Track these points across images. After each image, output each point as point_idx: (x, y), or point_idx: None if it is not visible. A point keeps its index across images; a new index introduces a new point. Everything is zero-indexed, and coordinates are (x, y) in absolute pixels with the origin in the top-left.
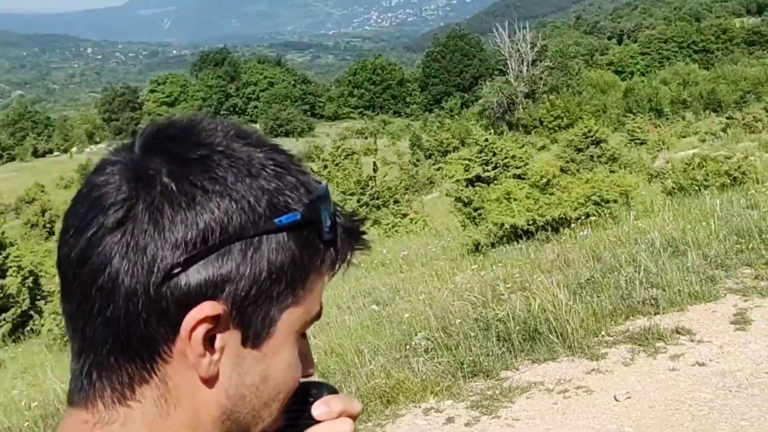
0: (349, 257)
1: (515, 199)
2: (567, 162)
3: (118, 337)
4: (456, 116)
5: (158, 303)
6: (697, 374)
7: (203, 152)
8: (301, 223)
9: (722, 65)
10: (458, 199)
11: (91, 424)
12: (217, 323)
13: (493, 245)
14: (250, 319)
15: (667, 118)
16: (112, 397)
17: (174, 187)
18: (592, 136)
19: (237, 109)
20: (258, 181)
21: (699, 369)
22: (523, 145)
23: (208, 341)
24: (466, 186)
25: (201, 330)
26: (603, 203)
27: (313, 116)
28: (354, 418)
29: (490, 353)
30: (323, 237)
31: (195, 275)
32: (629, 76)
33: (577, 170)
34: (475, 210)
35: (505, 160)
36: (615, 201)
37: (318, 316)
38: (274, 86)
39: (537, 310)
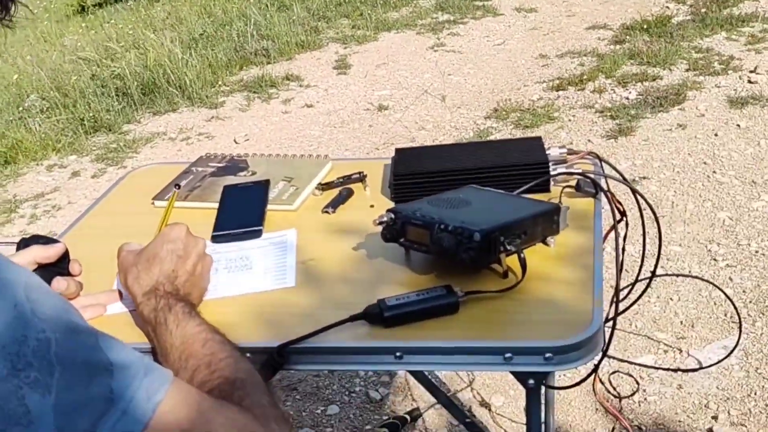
0: (12, 5)
1: None
2: None
3: None
4: None
5: None
6: (307, 115)
7: None
8: None
9: None
10: None
11: None
12: None
13: (100, 5)
14: None
15: None
16: None
17: None
18: None
19: None
20: None
21: (308, 110)
22: None
23: None
24: None
25: None
26: None
27: None
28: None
29: (111, 108)
30: None
31: None
32: None
33: None
34: None
35: None
36: None
37: None
38: None
39: (153, 65)
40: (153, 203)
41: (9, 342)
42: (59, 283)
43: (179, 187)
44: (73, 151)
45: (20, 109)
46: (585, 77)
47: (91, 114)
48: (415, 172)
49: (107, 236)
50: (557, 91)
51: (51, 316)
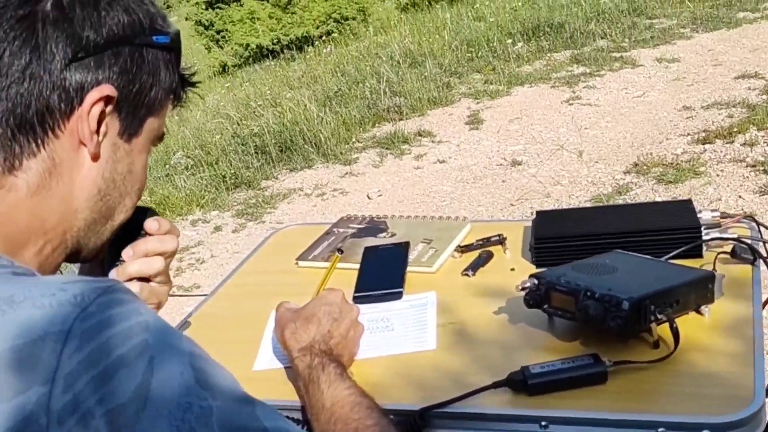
0: (184, 95)
1: (259, 19)
2: None
3: (16, 111)
4: None
5: (63, 81)
6: (439, 170)
7: None
8: (169, 47)
9: None
10: (198, 23)
11: None
12: (109, 106)
13: (240, 66)
14: (129, 113)
15: None
16: (2, 166)
17: None
18: None
19: None
20: (144, 4)
21: (440, 166)
22: None
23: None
24: (206, 9)
25: (97, 108)
26: (343, 20)
27: None
28: (167, 256)
29: (250, 165)
30: (180, 65)
31: (94, 64)
32: None
33: None
34: (218, 32)
35: None
36: (354, 18)
37: (162, 137)
38: None
39: (290, 123)
40: (297, 263)
41: (175, 408)
42: (126, 252)
43: (342, 251)
44: (216, 206)
45: (167, 166)
46: (734, 129)
47: (232, 171)
48: (557, 236)
49: (254, 294)
50: (703, 144)
51: (213, 384)
